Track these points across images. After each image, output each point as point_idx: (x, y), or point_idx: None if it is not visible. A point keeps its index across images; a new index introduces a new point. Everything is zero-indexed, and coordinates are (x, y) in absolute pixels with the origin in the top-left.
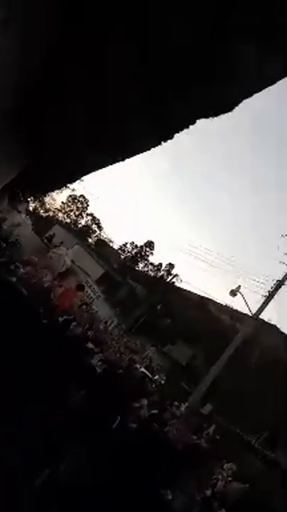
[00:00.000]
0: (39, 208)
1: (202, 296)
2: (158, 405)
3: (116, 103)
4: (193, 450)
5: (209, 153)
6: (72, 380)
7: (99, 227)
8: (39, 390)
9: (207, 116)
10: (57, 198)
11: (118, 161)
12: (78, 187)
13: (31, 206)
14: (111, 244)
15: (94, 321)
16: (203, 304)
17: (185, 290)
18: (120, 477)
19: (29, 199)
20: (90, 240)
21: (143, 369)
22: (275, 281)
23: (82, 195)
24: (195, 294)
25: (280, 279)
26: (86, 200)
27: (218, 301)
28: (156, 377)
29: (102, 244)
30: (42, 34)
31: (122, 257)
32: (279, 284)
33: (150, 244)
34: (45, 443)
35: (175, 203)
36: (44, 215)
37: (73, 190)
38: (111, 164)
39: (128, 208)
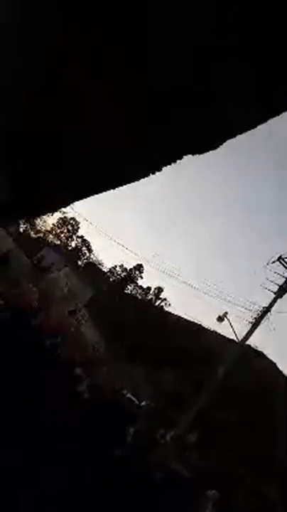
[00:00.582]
0: (29, 230)
1: (191, 321)
2: (144, 432)
3: (101, 136)
4: (177, 479)
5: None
6: (56, 406)
7: (89, 250)
8: (18, 416)
9: (193, 153)
10: (48, 220)
11: (107, 190)
12: (69, 209)
13: (22, 228)
14: (100, 266)
15: (82, 345)
16: (191, 330)
17: (173, 315)
18: (102, 509)
19: (19, 221)
20: (80, 263)
21: (129, 395)
22: (261, 307)
23: (72, 218)
24: (184, 319)
25: (266, 305)
26: (77, 223)
27: (206, 327)
28: (143, 403)
29: (92, 267)
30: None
31: (111, 279)
32: (265, 311)
33: (139, 268)
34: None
35: (164, 226)
36: (34, 236)
37: (64, 212)
38: (100, 193)
39: (118, 230)
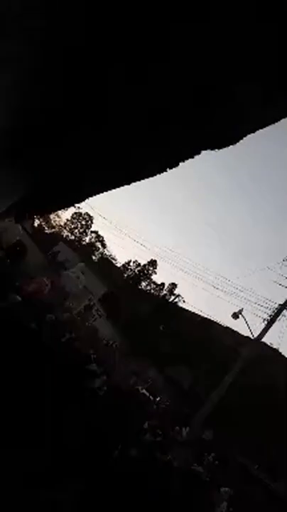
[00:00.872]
0: (44, 225)
1: (205, 318)
2: (159, 429)
3: (120, 128)
4: (194, 478)
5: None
6: (73, 404)
7: (103, 245)
8: (36, 412)
9: (212, 148)
10: (62, 216)
11: (121, 186)
12: (83, 205)
13: (36, 223)
14: (114, 262)
15: (96, 340)
16: (205, 326)
17: (188, 311)
18: (120, 508)
19: (34, 216)
20: (94, 258)
21: (144, 391)
22: (277, 304)
23: (86, 213)
24: (198, 315)
25: (282, 303)
26: (90, 218)
27: (220, 324)
28: (158, 398)
29: (106, 263)
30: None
31: (125, 275)
32: (281, 308)
33: (153, 263)
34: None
35: (179, 222)
36: (49, 231)
37: (78, 208)
38: (114, 189)
39: (132, 226)
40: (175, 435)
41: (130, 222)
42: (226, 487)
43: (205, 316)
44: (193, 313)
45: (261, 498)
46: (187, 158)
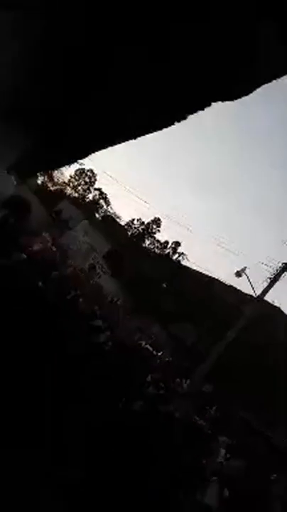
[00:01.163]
0: (47, 182)
1: (208, 276)
2: (162, 382)
3: (127, 77)
4: (196, 431)
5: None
6: (78, 357)
7: (107, 203)
8: (41, 369)
9: (223, 100)
10: (66, 172)
11: (128, 140)
12: (86, 161)
13: (39, 180)
14: (118, 220)
15: (101, 297)
16: (208, 284)
17: (191, 269)
18: (123, 461)
19: (38, 173)
20: (97, 216)
21: (148, 346)
22: (281, 263)
23: (90, 170)
24: (201, 273)
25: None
26: (94, 175)
27: (223, 282)
28: (160, 353)
29: (109, 220)
30: None
31: (129, 233)
32: (285, 267)
33: (157, 221)
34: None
35: (185, 178)
36: (52, 189)
37: (81, 164)
38: (120, 143)
39: (135, 182)
40: (176, 387)
41: (134, 180)
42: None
43: (209, 274)
44: (196, 271)
45: (262, 450)
46: (196, 111)
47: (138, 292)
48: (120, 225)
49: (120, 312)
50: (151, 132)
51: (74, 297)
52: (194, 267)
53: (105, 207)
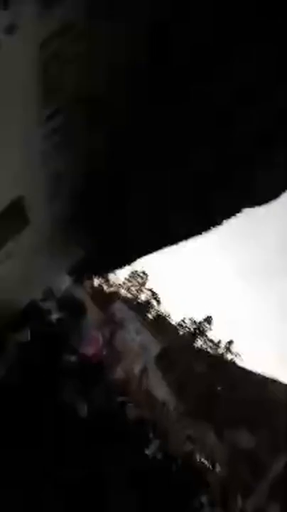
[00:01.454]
0: (103, 284)
1: (266, 377)
2: (217, 501)
3: (169, 196)
4: None
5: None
6: (123, 474)
7: (158, 302)
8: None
9: (252, 206)
10: (120, 275)
11: (168, 246)
12: (136, 262)
13: (96, 282)
14: (169, 319)
15: (151, 401)
16: (267, 386)
17: (246, 369)
18: None
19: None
20: (149, 316)
21: (203, 459)
22: None
23: (143, 271)
24: (258, 373)
25: None
26: (146, 275)
27: (283, 383)
28: (217, 468)
29: (161, 320)
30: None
31: (181, 333)
32: None
33: (208, 319)
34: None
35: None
36: (108, 291)
37: (133, 266)
38: (161, 248)
39: (186, 281)
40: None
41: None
42: None
43: (266, 375)
44: (252, 372)
45: None
46: (229, 217)
47: (191, 394)
48: (171, 324)
49: (171, 417)
50: (187, 240)
51: (123, 403)
52: (249, 366)
53: (156, 306)
